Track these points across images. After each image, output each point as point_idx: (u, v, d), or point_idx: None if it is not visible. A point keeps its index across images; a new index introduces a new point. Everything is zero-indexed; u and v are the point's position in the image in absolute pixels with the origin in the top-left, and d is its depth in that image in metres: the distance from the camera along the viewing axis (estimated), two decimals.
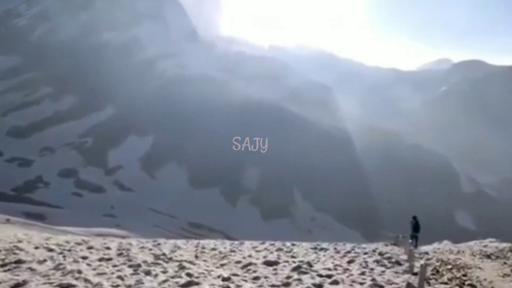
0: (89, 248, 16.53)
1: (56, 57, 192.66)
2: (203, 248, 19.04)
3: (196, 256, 16.12)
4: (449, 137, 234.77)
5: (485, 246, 17.65)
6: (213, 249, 18.77)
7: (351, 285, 11.60)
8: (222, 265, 14.72)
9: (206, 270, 13.20)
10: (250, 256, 16.50)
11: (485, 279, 12.12)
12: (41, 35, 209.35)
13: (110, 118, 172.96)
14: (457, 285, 11.32)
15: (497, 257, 15.38)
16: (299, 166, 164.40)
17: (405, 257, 15.93)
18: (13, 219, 62.43)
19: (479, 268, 13.67)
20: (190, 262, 14.30)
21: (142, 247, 17.87)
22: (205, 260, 15.34)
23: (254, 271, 13.51)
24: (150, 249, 17.19)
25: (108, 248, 16.82)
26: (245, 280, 12.24)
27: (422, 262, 12.28)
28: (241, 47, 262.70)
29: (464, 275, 12.50)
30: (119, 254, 15.12)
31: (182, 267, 13.21)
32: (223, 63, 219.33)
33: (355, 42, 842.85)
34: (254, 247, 20.18)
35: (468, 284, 11.38)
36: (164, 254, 15.62)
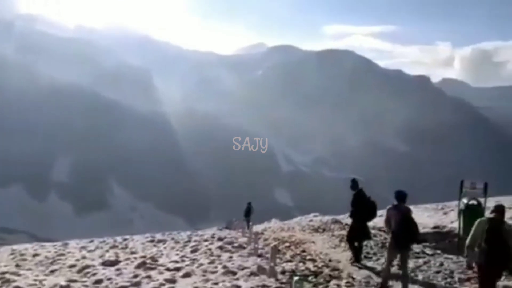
0: None
1: None
2: (22, 254, 16.42)
3: (18, 265, 13.77)
4: (266, 119, 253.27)
5: (311, 220, 19.40)
6: (35, 254, 16.33)
7: (203, 275, 11.34)
8: (52, 271, 12.86)
9: (36, 280, 11.35)
10: (84, 258, 14.85)
11: (320, 252, 13.25)
12: None
13: None
14: (300, 261, 12.05)
15: (324, 229, 17.06)
16: (115, 154, 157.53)
17: (244, 239, 16.42)
18: None
19: (312, 242, 14.87)
20: (14, 273, 12.12)
21: None
22: (30, 269, 13.20)
23: (94, 274, 12.14)
24: None
25: None
26: (86, 286, 10.90)
27: (270, 244, 12.81)
28: (44, 27, 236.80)
29: (303, 251, 13.43)
30: None
31: (6, 280, 11.11)
32: (22, 44, 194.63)
33: (172, 25, 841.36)
34: (83, 247, 18.31)
35: (309, 259, 12.25)
36: None
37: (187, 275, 11.48)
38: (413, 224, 9.02)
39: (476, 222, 7.66)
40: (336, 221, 18.55)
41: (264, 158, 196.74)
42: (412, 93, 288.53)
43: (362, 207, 11.80)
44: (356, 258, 11.77)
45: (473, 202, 11.98)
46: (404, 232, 8.93)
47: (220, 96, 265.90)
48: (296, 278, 7.02)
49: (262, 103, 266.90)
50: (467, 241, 7.68)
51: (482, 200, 11.98)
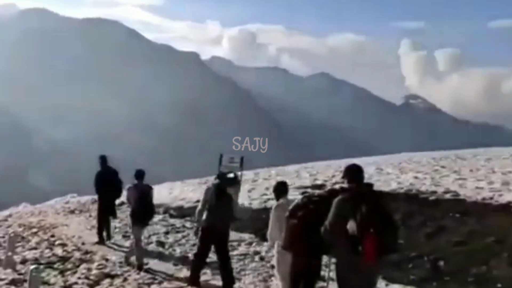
0: None
1: None
2: None
3: None
4: (19, 91, 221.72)
5: (67, 202, 17.83)
6: None
7: None
8: None
9: None
10: None
11: (73, 236, 12.27)
12: None
13: None
14: (47, 247, 10.92)
15: (81, 211, 15.91)
16: None
17: None
18: None
19: (66, 225, 13.71)
20: None
21: None
22: None
23: None
24: None
25: None
26: None
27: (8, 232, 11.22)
28: None
29: (52, 236, 12.22)
30: None
31: None
32: None
33: None
34: None
35: (59, 244, 11.20)
36: None
37: None
38: (150, 204, 9.68)
39: (205, 189, 8.47)
40: (96, 201, 17.53)
41: (17, 136, 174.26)
42: (181, 69, 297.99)
43: (109, 185, 11.80)
44: (101, 238, 11.64)
45: (231, 175, 12.80)
46: (142, 209, 9.40)
47: None
48: (33, 266, 6.09)
49: (14, 72, 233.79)
50: (198, 207, 8.24)
51: (239, 173, 12.87)
